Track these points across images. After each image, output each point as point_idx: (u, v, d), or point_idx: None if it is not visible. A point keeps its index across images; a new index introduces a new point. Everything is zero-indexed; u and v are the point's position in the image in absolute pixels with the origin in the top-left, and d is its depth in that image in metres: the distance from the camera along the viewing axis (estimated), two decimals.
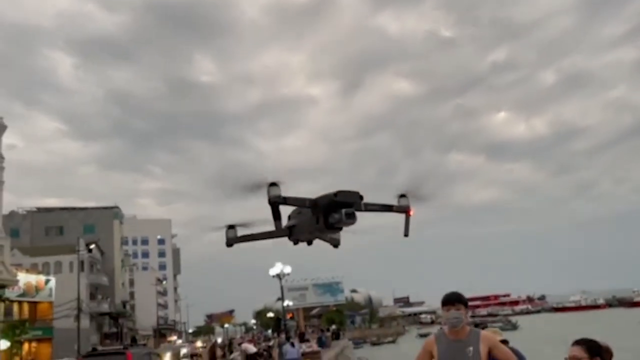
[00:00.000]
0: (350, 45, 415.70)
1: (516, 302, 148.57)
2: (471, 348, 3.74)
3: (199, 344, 69.71)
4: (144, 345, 21.59)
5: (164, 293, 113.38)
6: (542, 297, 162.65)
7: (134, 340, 40.76)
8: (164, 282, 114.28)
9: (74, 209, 78.52)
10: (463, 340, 3.78)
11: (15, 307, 45.27)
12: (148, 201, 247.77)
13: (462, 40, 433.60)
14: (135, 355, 12.82)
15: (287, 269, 32.42)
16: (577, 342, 3.27)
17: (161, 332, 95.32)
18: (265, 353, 25.90)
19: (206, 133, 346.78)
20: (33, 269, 52.84)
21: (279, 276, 31.77)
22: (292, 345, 17.43)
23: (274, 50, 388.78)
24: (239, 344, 22.41)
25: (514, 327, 79.65)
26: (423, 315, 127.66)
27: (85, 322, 51.27)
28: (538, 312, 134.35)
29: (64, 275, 54.89)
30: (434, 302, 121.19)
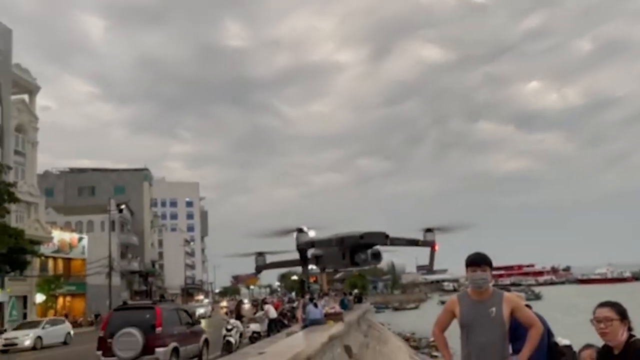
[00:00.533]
0: (379, 11, 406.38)
1: (540, 273, 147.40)
2: (494, 309, 3.81)
3: (224, 303, 71.74)
4: (172, 301, 22.34)
5: (191, 254, 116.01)
6: (567, 269, 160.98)
7: (162, 298, 42.02)
8: (192, 244, 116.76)
9: (105, 170, 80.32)
10: (486, 301, 3.81)
11: (50, 262, 47.09)
12: (177, 165, 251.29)
13: (494, 6, 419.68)
14: (164, 310, 13.35)
15: (312, 233, 32.86)
16: (605, 304, 3.28)
17: (189, 292, 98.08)
18: (289, 314, 26.57)
19: (234, 98, 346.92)
20: (67, 227, 54.61)
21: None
22: (315, 305, 17.81)
23: (303, 14, 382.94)
24: (265, 303, 22.94)
25: (537, 297, 79.34)
26: (446, 283, 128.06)
27: (116, 279, 53.05)
28: (562, 283, 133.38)
29: (95, 234, 56.61)
30: (457, 270, 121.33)
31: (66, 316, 46.64)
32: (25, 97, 44.69)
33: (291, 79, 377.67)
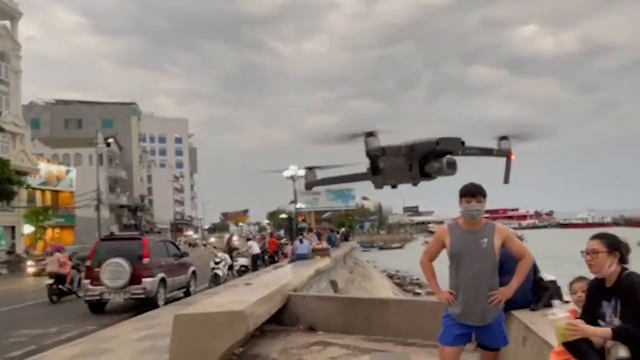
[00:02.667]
0: None
1: (524, 217, 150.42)
2: (486, 240, 3.72)
3: (212, 240, 72.73)
4: (159, 233, 22.46)
5: (181, 190, 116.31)
6: (551, 213, 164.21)
7: (151, 231, 42.43)
8: (181, 180, 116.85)
9: (92, 103, 78.82)
10: (478, 231, 3.74)
11: (39, 195, 46.97)
12: (167, 101, 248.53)
13: None
14: (151, 241, 13.35)
15: (301, 172, 32.88)
16: (596, 237, 3.20)
17: (178, 227, 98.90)
18: (278, 250, 26.98)
19: (225, 34, 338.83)
20: (54, 159, 54.12)
21: (292, 178, 32.33)
22: (301, 242, 17.99)
23: None
24: (248, 240, 23.03)
25: (520, 239, 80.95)
26: (431, 225, 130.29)
27: (105, 213, 53.13)
28: (545, 227, 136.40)
29: (84, 167, 56.25)
30: (443, 212, 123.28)
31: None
32: (7, 23, 43.06)
33: (284, 15, 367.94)
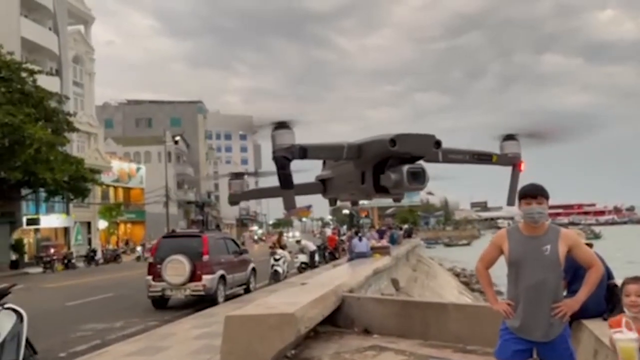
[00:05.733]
0: None
1: (602, 212, 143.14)
2: (548, 246, 3.37)
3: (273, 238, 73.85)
4: (220, 230, 22.86)
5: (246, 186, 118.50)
6: (631, 208, 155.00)
7: (217, 227, 43.52)
8: (246, 176, 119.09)
9: (161, 102, 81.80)
10: (540, 237, 3.40)
11: (111, 191, 49.26)
12: (234, 99, 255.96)
13: None
14: (211, 238, 13.55)
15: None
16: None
17: (243, 222, 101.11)
18: (340, 246, 26.85)
19: (291, 31, 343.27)
20: (125, 157, 56.56)
21: None
22: (360, 239, 17.71)
23: None
24: (297, 241, 22.91)
25: (597, 236, 77.07)
26: (500, 220, 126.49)
27: (173, 208, 55.05)
28: (624, 223, 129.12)
29: (153, 164, 58.44)
30: (512, 208, 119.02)
31: (127, 242, 49.29)
32: (81, 28, 45.31)
33: (348, 11, 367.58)
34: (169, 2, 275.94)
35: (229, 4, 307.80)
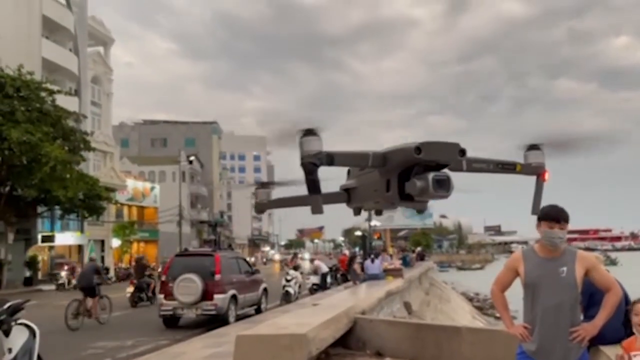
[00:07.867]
0: None
1: (618, 238, 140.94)
2: (565, 268, 3.31)
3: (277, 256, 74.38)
4: (232, 249, 22.88)
5: None
6: None
7: (230, 247, 43.56)
8: (272, 186, 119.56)
9: (176, 122, 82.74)
10: (556, 259, 3.34)
11: (125, 210, 49.55)
12: (249, 120, 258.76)
13: None
14: (223, 257, 13.53)
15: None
16: None
17: (255, 242, 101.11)
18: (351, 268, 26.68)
19: (307, 55, 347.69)
20: (140, 176, 57.01)
21: None
22: (372, 261, 17.59)
23: None
24: (311, 260, 22.83)
25: (613, 262, 75.79)
26: (514, 245, 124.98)
27: (186, 228, 55.18)
28: None
29: (167, 184, 58.83)
30: (527, 232, 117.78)
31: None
32: (101, 49, 46.20)
33: (364, 35, 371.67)
34: (187, 26, 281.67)
35: (245, 28, 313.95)
